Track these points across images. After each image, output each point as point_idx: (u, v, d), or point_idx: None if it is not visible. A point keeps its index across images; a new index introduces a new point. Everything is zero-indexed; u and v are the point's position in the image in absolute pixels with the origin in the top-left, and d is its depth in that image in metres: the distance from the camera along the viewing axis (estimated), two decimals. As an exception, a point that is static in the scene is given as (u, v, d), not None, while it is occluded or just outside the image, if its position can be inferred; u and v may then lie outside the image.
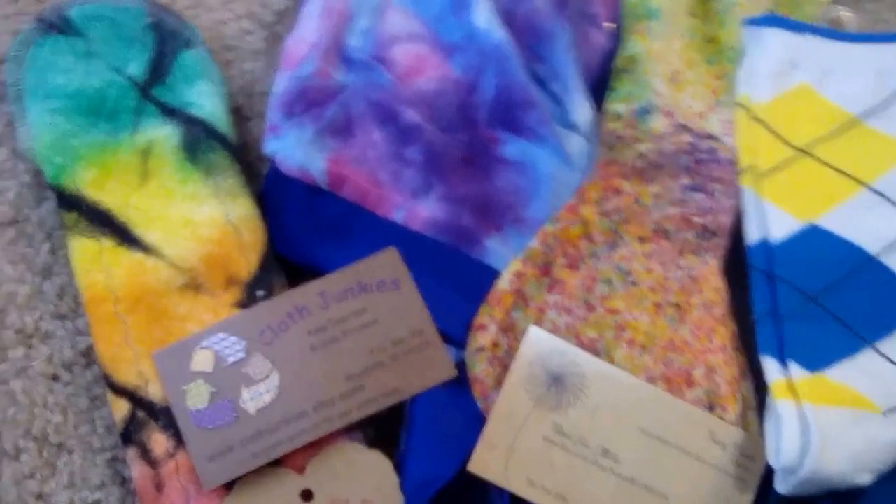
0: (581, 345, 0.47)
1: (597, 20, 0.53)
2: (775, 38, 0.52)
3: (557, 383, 0.46)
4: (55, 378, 0.49)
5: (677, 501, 0.46)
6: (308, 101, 0.49)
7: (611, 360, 0.47)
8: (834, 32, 0.53)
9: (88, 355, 0.49)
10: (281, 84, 0.49)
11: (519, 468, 0.45)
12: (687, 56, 0.52)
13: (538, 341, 0.47)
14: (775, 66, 0.51)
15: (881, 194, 0.49)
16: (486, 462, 0.45)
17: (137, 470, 0.45)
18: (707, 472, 0.46)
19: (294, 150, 0.48)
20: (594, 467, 0.46)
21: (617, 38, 0.52)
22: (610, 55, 0.52)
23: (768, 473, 0.46)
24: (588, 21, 0.52)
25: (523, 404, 0.46)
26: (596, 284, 0.48)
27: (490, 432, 0.45)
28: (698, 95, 0.51)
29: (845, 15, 0.54)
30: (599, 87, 0.52)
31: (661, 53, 0.51)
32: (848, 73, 0.51)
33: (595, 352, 0.47)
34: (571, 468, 0.46)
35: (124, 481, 0.48)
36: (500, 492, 0.45)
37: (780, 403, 0.44)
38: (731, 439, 0.46)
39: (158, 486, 0.45)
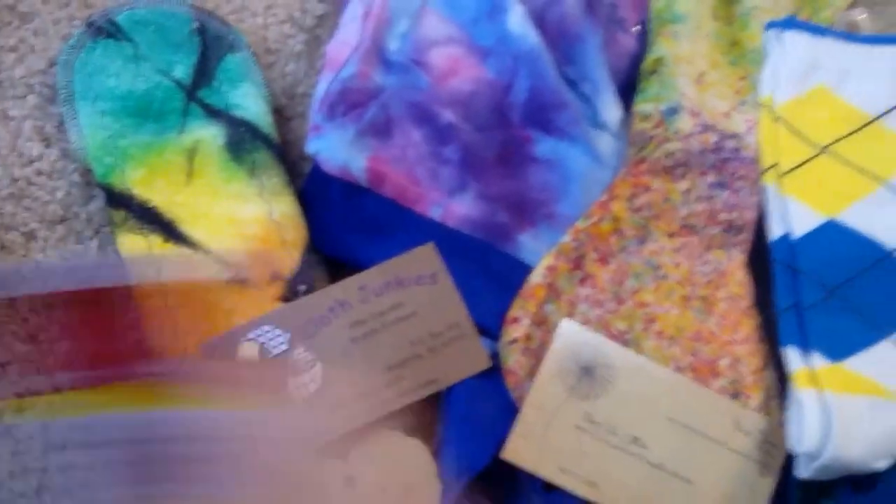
0: (611, 336, 0.49)
1: (625, 24, 0.54)
2: (796, 41, 0.53)
3: (588, 374, 0.48)
4: (104, 369, 0.51)
5: (703, 486, 0.47)
6: (349, 103, 0.50)
7: (640, 351, 0.49)
8: (851, 35, 0.54)
9: (136, 347, 0.51)
10: (323, 86, 0.51)
11: (551, 456, 0.47)
12: (711, 58, 0.53)
13: (570, 334, 0.48)
14: (796, 68, 0.52)
15: (898, 191, 0.50)
16: (519, 450, 0.47)
17: (185, 457, 0.47)
18: (731, 459, 0.48)
19: (336, 149, 0.50)
20: (623, 454, 0.47)
21: (644, 41, 0.54)
22: (638, 58, 0.53)
23: (788, 459, 0.47)
24: (617, 25, 0.54)
25: (555, 394, 0.47)
26: (626, 278, 0.50)
27: (524, 421, 0.47)
28: (722, 96, 0.52)
29: (862, 18, 0.55)
30: (628, 88, 0.53)
31: (686, 56, 0.52)
32: (865, 75, 0.52)
33: (625, 343, 0.49)
34: (601, 455, 0.47)
35: (171, 470, 0.50)
36: (533, 478, 0.47)
37: (803, 392, 0.46)
38: (755, 426, 0.48)
39: (204, 472, 0.47)
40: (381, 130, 0.50)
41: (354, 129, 0.50)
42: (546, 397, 0.47)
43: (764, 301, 0.50)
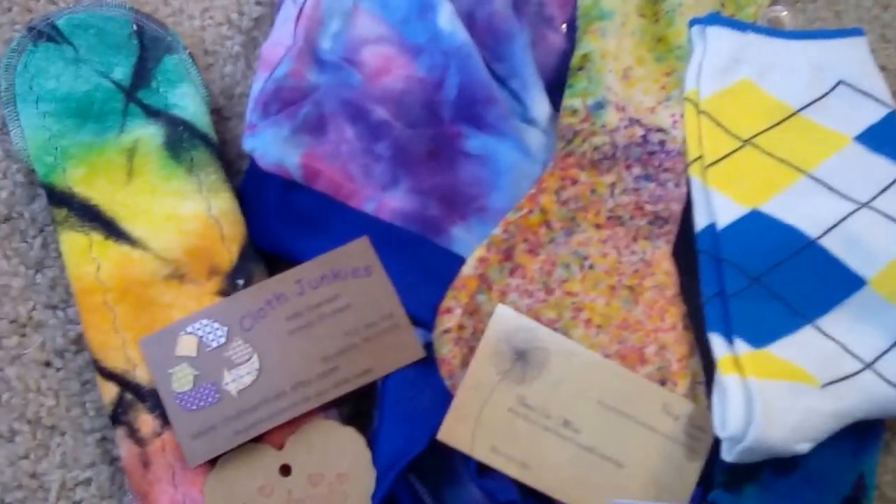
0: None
1: (553, 23, 0.55)
2: (719, 37, 0.54)
3: (522, 358, 0.49)
4: (48, 364, 0.52)
5: (632, 469, 0.49)
6: (283, 101, 0.51)
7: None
8: (774, 30, 0.55)
9: (79, 342, 0.52)
10: (258, 86, 0.52)
11: (485, 437, 0.48)
12: (637, 54, 0.55)
13: (505, 319, 0.49)
14: (720, 63, 0.53)
15: (819, 181, 0.52)
16: (454, 431, 0.48)
17: (126, 449, 0.48)
18: (660, 442, 0.49)
19: (271, 146, 0.51)
20: (555, 437, 0.48)
21: (572, 38, 0.55)
22: (566, 55, 0.55)
23: (716, 443, 0.48)
24: (545, 23, 0.55)
25: (490, 378, 0.49)
26: (554, 268, 0.51)
27: (458, 404, 0.48)
28: (648, 91, 0.54)
29: (784, 15, 0.57)
30: (557, 85, 0.54)
31: (613, 52, 0.54)
32: (787, 68, 0.54)
33: (554, 332, 0.50)
34: (534, 437, 0.48)
35: (113, 460, 0.51)
36: (467, 459, 0.48)
37: (727, 377, 0.47)
38: (683, 411, 0.49)
39: (146, 464, 0.48)
40: (315, 128, 0.51)
41: (289, 127, 0.51)
42: (481, 380, 0.49)
43: (690, 290, 0.51)
